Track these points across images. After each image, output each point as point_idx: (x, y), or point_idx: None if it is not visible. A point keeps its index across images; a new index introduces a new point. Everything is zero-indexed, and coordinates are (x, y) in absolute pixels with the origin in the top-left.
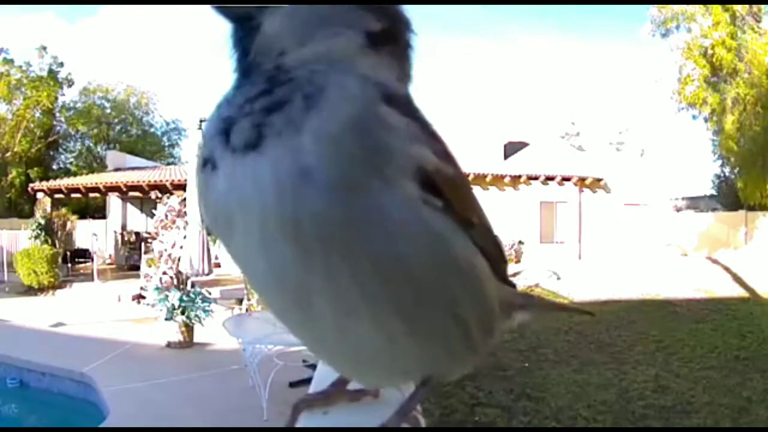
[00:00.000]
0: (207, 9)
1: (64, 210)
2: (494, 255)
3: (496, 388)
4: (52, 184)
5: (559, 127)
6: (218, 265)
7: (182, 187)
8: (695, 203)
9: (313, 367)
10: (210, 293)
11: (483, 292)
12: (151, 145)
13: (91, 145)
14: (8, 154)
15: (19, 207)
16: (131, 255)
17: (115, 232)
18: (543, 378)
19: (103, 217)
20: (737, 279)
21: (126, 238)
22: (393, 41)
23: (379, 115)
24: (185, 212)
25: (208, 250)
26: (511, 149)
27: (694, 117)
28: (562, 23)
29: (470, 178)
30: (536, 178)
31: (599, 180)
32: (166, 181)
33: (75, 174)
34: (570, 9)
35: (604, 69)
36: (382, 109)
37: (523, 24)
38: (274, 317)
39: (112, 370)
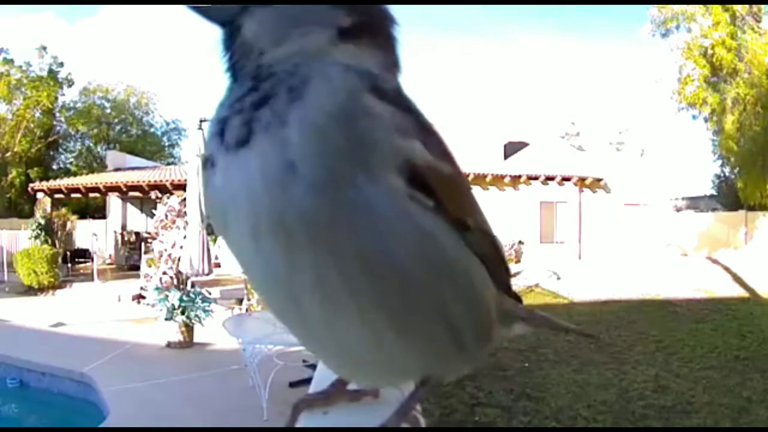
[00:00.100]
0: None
1: (64, 210)
2: (493, 261)
3: (496, 388)
4: (52, 184)
5: (559, 127)
6: (218, 265)
7: (182, 187)
8: (695, 203)
9: (313, 367)
10: (210, 293)
11: (477, 299)
12: (151, 145)
13: (91, 145)
14: (8, 154)
15: (19, 207)
16: (131, 255)
17: (115, 232)
18: (543, 378)
19: (103, 217)
20: (737, 279)
21: (126, 238)
22: (370, 33)
23: (363, 104)
24: (185, 212)
25: (208, 250)
26: (511, 149)
27: (694, 117)
28: (562, 23)
29: (470, 178)
30: (536, 178)
31: (599, 180)
32: (166, 181)
33: (75, 174)
34: (570, 9)
35: (604, 69)
36: (366, 99)
37: (523, 24)
38: (273, 315)
39: (112, 370)
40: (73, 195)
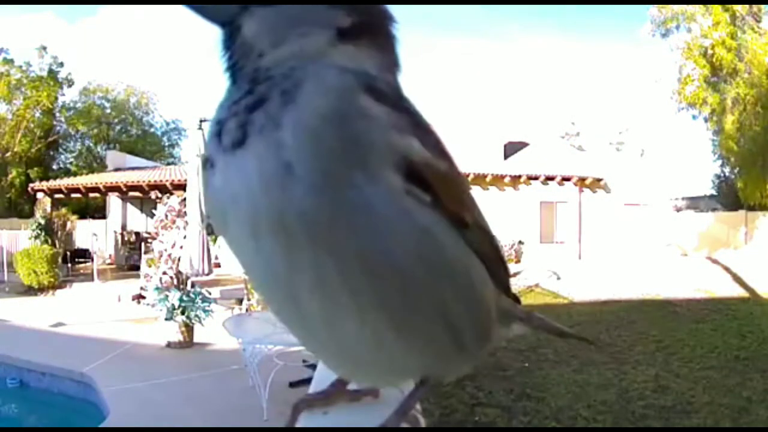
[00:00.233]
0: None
1: (64, 210)
2: (492, 260)
3: (496, 388)
4: (52, 184)
5: (559, 127)
6: (218, 265)
7: (182, 187)
8: (695, 203)
9: (313, 367)
10: (210, 293)
11: (477, 299)
12: (151, 145)
13: (91, 145)
14: (8, 154)
15: (19, 207)
16: (131, 255)
17: (115, 232)
18: (543, 378)
19: (103, 217)
20: (737, 279)
21: (126, 238)
22: (369, 33)
23: (357, 105)
24: (185, 212)
25: (208, 250)
26: (511, 149)
27: (694, 117)
28: (562, 23)
29: (470, 178)
30: (536, 178)
31: (599, 180)
32: (166, 181)
33: (75, 174)
34: (570, 9)
35: (604, 69)
36: (361, 99)
37: (523, 24)
38: (273, 314)
39: (112, 370)
40: (73, 195)
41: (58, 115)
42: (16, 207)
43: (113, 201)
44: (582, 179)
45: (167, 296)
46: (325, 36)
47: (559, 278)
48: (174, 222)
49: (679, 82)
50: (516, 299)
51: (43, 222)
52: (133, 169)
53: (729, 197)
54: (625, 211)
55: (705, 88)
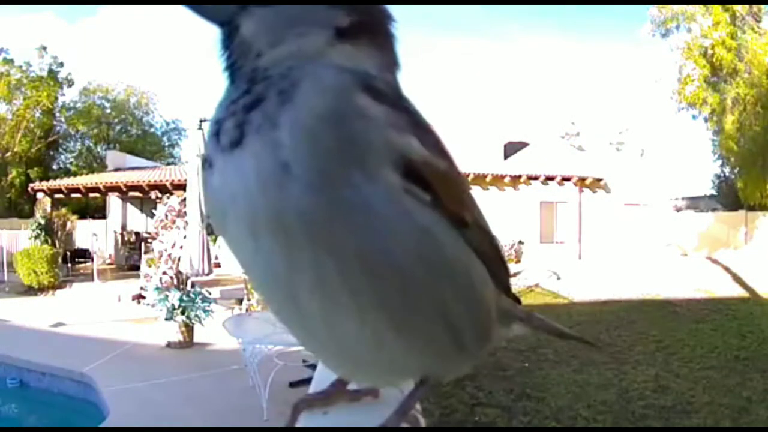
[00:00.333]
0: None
1: (64, 210)
2: (492, 260)
3: (496, 388)
4: (52, 184)
5: (559, 127)
6: (218, 265)
7: (182, 187)
8: (695, 203)
9: (313, 367)
10: (210, 293)
11: (477, 298)
12: (151, 145)
13: (91, 145)
14: (8, 154)
15: (19, 207)
16: (131, 255)
17: (115, 232)
18: (543, 378)
19: (103, 217)
20: (737, 279)
21: (126, 238)
22: (368, 32)
23: (355, 104)
24: (185, 212)
25: (208, 250)
26: (511, 149)
27: (694, 117)
28: (562, 23)
29: (470, 178)
30: (536, 178)
31: (599, 180)
32: (166, 181)
33: (75, 174)
34: (570, 9)
35: (604, 69)
36: (358, 99)
37: (523, 24)
38: (273, 314)
39: (112, 370)
40: (73, 195)
41: (58, 115)
42: (16, 207)
43: (113, 201)
44: (582, 179)
45: (167, 296)
46: (323, 36)
47: (559, 278)
48: (174, 222)
49: (679, 82)
50: (516, 299)
51: (43, 222)
52: (133, 169)
53: (729, 197)
54: (625, 211)
55: (705, 88)
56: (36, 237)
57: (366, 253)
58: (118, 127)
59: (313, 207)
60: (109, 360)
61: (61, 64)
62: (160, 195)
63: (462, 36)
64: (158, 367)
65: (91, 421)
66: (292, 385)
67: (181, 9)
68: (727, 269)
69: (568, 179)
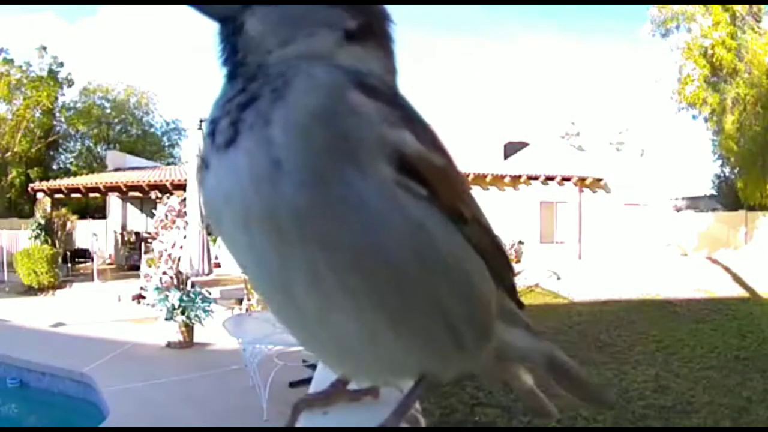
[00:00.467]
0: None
1: (64, 210)
2: (493, 257)
3: (496, 388)
4: (52, 184)
5: (559, 127)
6: (218, 265)
7: (182, 187)
8: (695, 203)
9: (313, 367)
10: (210, 293)
11: (474, 294)
12: (151, 145)
13: (91, 145)
14: (8, 154)
15: (19, 207)
16: (131, 255)
17: (115, 232)
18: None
19: (103, 217)
20: (737, 279)
21: (126, 238)
22: (373, 35)
23: (347, 101)
24: (185, 212)
25: (208, 250)
26: (511, 149)
27: (694, 117)
28: (562, 23)
29: (470, 178)
30: (536, 178)
31: (599, 180)
32: (166, 181)
33: (75, 174)
34: (570, 9)
35: (604, 69)
36: (351, 95)
37: (523, 24)
38: (272, 314)
39: (112, 370)
40: (73, 195)
41: (58, 115)
42: (16, 207)
43: (113, 201)
44: (582, 179)
45: (167, 296)
46: (333, 37)
47: (559, 278)
48: (174, 222)
49: (679, 82)
50: (520, 304)
51: (43, 222)
52: (133, 169)
53: (729, 197)
54: (625, 211)
55: (705, 88)
56: (36, 237)
57: (359, 248)
58: (118, 127)
59: (306, 204)
60: (109, 360)
61: (61, 64)
62: (160, 195)
63: (462, 36)
64: (158, 367)
65: (91, 421)
66: (292, 385)
67: (180, 9)
68: (727, 269)
69: (568, 179)
